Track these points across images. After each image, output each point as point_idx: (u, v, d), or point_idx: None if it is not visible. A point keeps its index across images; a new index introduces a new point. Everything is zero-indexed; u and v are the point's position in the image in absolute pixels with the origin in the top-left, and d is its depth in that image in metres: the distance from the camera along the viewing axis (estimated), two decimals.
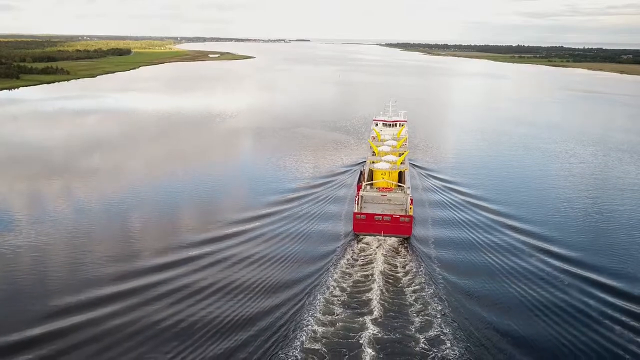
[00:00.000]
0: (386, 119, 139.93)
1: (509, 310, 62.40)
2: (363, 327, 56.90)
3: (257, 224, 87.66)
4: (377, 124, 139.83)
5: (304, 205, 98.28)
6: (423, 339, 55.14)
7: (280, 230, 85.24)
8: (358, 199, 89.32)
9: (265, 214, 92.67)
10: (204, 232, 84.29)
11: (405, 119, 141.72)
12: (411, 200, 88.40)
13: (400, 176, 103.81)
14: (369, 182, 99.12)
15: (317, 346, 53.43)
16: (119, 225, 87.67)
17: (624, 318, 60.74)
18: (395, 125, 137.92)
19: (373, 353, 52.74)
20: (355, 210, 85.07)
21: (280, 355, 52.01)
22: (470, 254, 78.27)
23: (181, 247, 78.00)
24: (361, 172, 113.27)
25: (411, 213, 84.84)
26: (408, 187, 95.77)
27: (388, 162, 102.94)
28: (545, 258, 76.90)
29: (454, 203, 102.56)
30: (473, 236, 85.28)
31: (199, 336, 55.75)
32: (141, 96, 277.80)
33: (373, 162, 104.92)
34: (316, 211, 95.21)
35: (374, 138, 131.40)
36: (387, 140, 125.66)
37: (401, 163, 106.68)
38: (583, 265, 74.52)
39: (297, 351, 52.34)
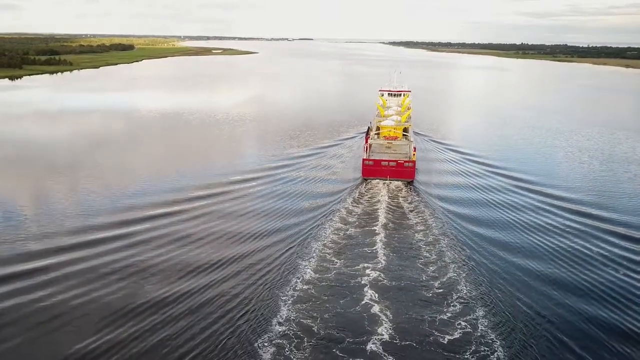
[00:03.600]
0: (391, 89, 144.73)
1: (500, 231, 69.90)
2: (373, 235, 66.42)
3: (276, 171, 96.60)
4: (382, 94, 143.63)
5: (318, 159, 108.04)
6: (430, 272, 57.53)
7: (298, 175, 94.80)
8: (367, 147, 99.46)
9: (283, 165, 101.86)
10: (230, 176, 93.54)
11: (409, 90, 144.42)
12: (414, 148, 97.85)
13: (405, 132, 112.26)
14: (377, 132, 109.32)
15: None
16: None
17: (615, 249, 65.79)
18: (400, 95, 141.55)
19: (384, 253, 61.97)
20: (364, 157, 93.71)
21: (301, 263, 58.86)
22: (469, 193, 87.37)
23: (217, 184, 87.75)
24: (369, 127, 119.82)
25: (414, 159, 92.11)
26: (412, 137, 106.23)
27: (393, 120, 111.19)
28: (542, 198, 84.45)
29: (455, 160, 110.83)
30: (472, 181, 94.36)
31: (196, 269, 57.28)
32: (143, 84, 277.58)
33: (380, 121, 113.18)
34: (327, 163, 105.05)
35: (380, 105, 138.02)
36: (392, 107, 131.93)
37: (405, 121, 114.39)
38: (576, 202, 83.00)
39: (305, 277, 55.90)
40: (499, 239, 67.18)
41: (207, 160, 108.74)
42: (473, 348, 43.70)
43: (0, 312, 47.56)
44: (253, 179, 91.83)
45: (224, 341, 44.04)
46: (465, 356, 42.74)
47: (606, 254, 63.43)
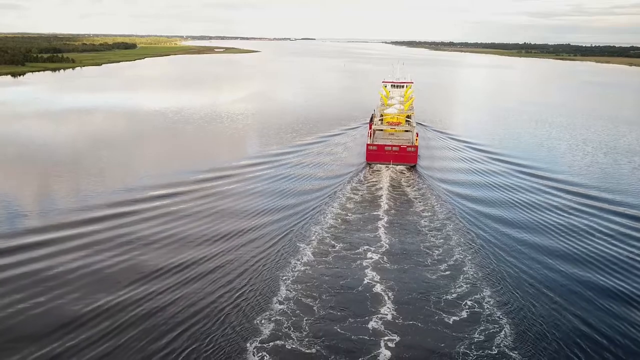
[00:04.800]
0: (394, 81, 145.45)
1: (505, 211, 70.79)
2: (376, 220, 66.09)
3: (282, 157, 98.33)
4: (385, 85, 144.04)
5: (324, 146, 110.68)
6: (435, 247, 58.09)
7: (304, 160, 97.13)
8: (370, 132, 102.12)
9: (290, 152, 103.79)
10: (246, 159, 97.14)
11: (412, 81, 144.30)
12: (417, 133, 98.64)
13: (408, 118, 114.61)
14: (380, 118, 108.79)
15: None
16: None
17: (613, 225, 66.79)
18: (402, 86, 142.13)
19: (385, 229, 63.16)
20: (368, 142, 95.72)
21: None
22: (473, 177, 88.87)
23: (235, 166, 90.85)
24: (372, 115, 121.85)
25: (417, 144, 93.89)
26: (414, 123, 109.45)
27: (396, 109, 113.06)
28: (548, 182, 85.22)
29: (457, 148, 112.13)
30: (475, 167, 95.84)
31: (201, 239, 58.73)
32: (145, 80, 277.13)
33: (384, 109, 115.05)
34: (333, 150, 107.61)
35: (383, 95, 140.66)
36: (394, 97, 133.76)
37: (407, 109, 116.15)
38: (581, 186, 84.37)
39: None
40: (504, 219, 67.53)
41: (211, 149, 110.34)
42: (481, 327, 42.27)
43: (11, 279, 49.12)
44: (259, 163, 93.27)
45: (222, 317, 42.93)
46: (473, 335, 41.33)
47: (610, 232, 63.62)
